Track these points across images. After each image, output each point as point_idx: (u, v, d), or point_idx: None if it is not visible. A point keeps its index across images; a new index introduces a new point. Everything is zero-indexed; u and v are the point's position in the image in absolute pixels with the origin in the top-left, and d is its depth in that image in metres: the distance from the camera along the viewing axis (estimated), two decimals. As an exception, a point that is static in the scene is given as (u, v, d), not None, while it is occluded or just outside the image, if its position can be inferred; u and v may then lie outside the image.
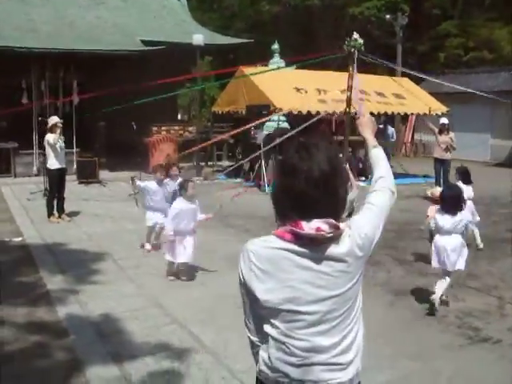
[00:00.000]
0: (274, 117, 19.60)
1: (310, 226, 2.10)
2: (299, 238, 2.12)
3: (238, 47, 21.94)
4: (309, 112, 15.96)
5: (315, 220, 2.11)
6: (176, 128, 20.82)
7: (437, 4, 30.66)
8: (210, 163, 20.43)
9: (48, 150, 11.24)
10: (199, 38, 17.41)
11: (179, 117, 21.97)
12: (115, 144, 17.85)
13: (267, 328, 2.22)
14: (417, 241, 10.24)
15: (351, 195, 8.41)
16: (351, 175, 9.11)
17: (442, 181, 14.54)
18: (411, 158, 27.32)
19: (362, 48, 9.17)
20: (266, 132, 20.14)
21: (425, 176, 19.38)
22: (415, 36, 32.54)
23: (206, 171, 19.19)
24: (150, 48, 17.29)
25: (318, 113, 16.62)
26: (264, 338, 2.25)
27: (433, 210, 7.47)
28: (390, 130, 20.85)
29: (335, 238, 2.14)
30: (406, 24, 27.79)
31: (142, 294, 7.12)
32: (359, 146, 17.29)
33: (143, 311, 6.51)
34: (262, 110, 15.27)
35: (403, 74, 21.77)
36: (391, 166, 2.66)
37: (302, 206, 2.13)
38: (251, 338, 2.33)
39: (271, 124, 20.32)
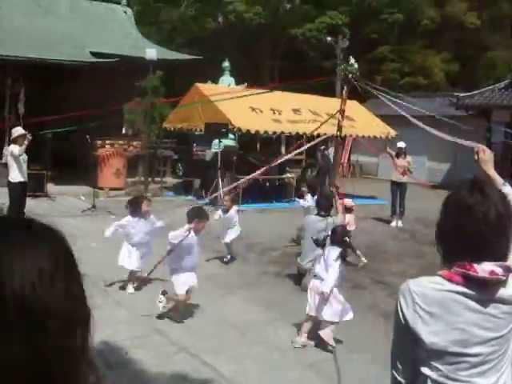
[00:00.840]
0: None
1: (484, 269, 2.05)
2: (470, 281, 2.07)
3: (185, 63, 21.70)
4: (265, 131, 16.01)
5: (487, 263, 2.07)
6: (120, 142, 20.32)
7: (375, 29, 31.49)
8: (156, 179, 20.03)
9: (11, 162, 10.68)
10: (152, 52, 17.12)
11: (123, 131, 21.48)
12: (60, 156, 17.30)
13: (425, 370, 2.15)
14: (387, 262, 10.44)
15: (336, 220, 8.50)
16: (338, 201, 9.23)
17: (399, 203, 14.87)
18: (349, 179, 27.81)
19: (358, 73, 9.29)
20: (214, 150, 20.06)
21: (371, 197, 19.80)
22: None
23: (154, 188, 18.81)
24: (104, 60, 16.85)
25: (274, 133, 16.69)
26: (416, 379, 2.18)
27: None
28: (331, 151, 21.11)
29: (505, 280, 2.10)
30: (347, 47, 28.37)
31: (137, 319, 6.82)
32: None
33: (145, 339, 6.23)
34: (221, 128, 15.13)
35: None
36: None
37: (476, 247, 2.08)
38: (398, 378, 2.23)
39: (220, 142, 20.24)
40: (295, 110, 17.48)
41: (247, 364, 5.60)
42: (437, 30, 34.04)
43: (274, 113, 16.88)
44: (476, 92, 25.27)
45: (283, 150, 21.90)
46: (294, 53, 33.90)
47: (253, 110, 16.51)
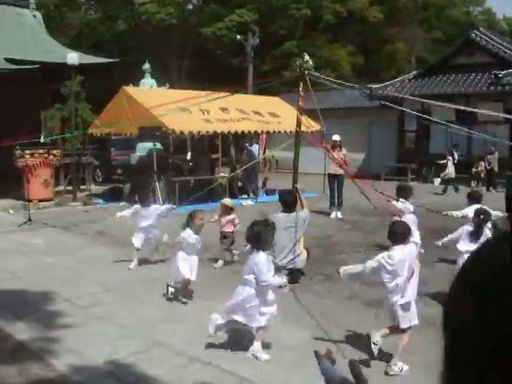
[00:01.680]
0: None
1: None
2: None
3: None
4: (198, 132, 15.88)
5: None
6: (41, 151, 19.48)
7: (283, 25, 31.88)
8: (82, 187, 19.39)
9: None
10: (74, 57, 16.51)
11: (42, 139, 20.61)
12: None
13: None
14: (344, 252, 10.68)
15: (303, 214, 8.56)
16: (302, 196, 9.27)
17: (336, 195, 15.15)
18: (267, 173, 28.07)
19: (313, 70, 9.35)
20: (139, 154, 19.64)
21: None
22: (259, 55, 33.68)
23: (81, 196, 18.20)
24: (24, 67, 16.07)
25: (207, 133, 16.57)
26: None
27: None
28: (256, 147, 21.25)
29: None
30: (256, 44, 28.54)
31: (130, 333, 6.56)
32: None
33: (149, 353, 5.99)
34: (155, 131, 14.82)
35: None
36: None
37: None
38: None
39: (145, 145, 19.84)
40: (223, 109, 17.42)
41: (269, 369, 5.53)
42: (340, 24, 34.92)
43: (203, 113, 16.73)
44: (388, 83, 26.18)
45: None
46: (201, 52, 33.75)
47: (182, 111, 16.26)
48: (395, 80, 26.66)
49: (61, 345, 6.16)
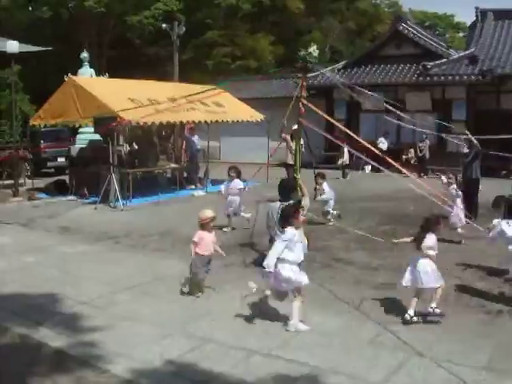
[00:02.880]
0: (86, 129, 18.62)
1: None
2: None
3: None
4: (153, 122, 15.53)
5: None
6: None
7: (208, 14, 31.63)
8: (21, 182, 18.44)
9: None
10: (14, 45, 15.64)
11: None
12: None
13: None
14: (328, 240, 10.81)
15: (304, 201, 8.59)
16: (302, 184, 9.28)
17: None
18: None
19: (317, 61, 9.34)
20: (78, 145, 19.01)
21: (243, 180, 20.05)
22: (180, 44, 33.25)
23: (23, 191, 17.34)
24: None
25: (161, 123, 16.24)
26: None
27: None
28: (196, 138, 21.04)
29: None
30: (182, 33, 28.11)
31: (169, 331, 6.31)
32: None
33: (203, 349, 5.81)
34: (111, 122, 14.32)
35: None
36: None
37: None
38: None
39: (83, 137, 19.23)
40: (171, 99, 17.07)
41: (324, 353, 5.66)
42: (259, 14, 35.05)
43: (152, 103, 16.31)
44: (318, 73, 26.52)
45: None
46: (120, 41, 32.96)
47: (132, 101, 15.82)
48: (325, 70, 27.07)
49: (103, 349, 5.83)
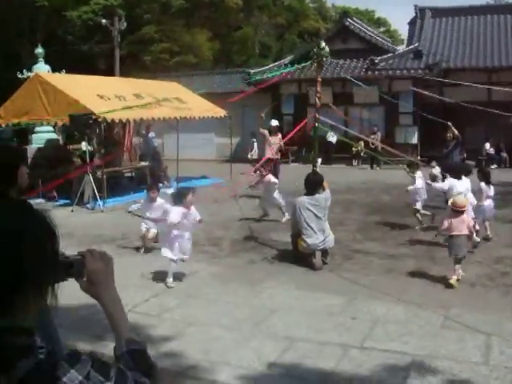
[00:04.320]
0: (43, 128, 17.98)
1: None
2: None
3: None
4: (127, 119, 15.14)
5: None
6: None
7: (147, 10, 31.06)
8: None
9: None
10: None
11: None
12: None
13: None
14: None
15: (326, 195, 8.66)
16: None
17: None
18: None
19: (329, 56, 9.41)
20: (35, 146, 18.32)
21: (203, 177, 19.93)
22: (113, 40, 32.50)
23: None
24: None
25: (134, 120, 15.86)
26: None
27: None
28: (152, 135, 20.67)
29: None
30: (124, 28, 27.53)
31: (246, 334, 6.17)
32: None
33: (295, 348, 5.68)
34: (88, 119, 13.81)
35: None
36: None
37: None
38: None
39: (40, 136, 18.55)
40: (137, 95, 16.71)
41: (412, 339, 5.79)
42: (193, 9, 34.80)
43: (120, 99, 15.91)
44: (266, 68, 26.67)
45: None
46: (53, 38, 31.85)
47: (101, 97, 15.36)
48: (272, 65, 27.28)
49: (191, 358, 5.50)
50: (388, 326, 6.25)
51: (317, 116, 9.61)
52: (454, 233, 7.79)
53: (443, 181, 11.70)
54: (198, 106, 18.89)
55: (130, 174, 18.31)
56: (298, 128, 11.16)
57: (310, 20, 48.78)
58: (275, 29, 45.69)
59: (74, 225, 12.43)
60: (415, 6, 27.78)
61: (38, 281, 1.36)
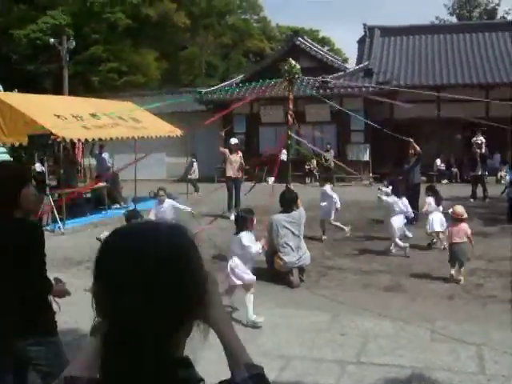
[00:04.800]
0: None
1: None
2: None
3: None
4: (86, 139, 14.87)
5: None
6: None
7: (96, 29, 30.70)
8: None
9: None
10: None
11: None
12: None
13: None
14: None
15: (301, 212, 8.66)
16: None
17: (234, 198, 15.16)
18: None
19: (300, 74, 9.49)
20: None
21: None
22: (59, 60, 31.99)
23: None
24: None
25: (86, 140, 15.61)
26: None
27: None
28: (106, 155, 20.37)
29: None
30: (72, 48, 27.12)
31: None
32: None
33: (293, 367, 5.66)
34: (46, 140, 13.46)
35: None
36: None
37: None
38: None
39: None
40: (93, 115, 16.42)
41: (406, 352, 5.84)
42: (141, 29, 34.66)
43: (77, 119, 15.60)
44: (217, 87, 26.69)
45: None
46: (2, 56, 31.19)
47: (58, 117, 15.00)
48: (223, 84, 27.32)
49: None
50: (379, 341, 6.27)
51: (289, 133, 9.60)
52: (455, 240, 8.19)
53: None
54: (154, 126, 18.73)
55: (86, 195, 17.90)
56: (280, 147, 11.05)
57: (254, 40, 49.12)
58: (221, 48, 45.89)
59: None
60: (364, 24, 28.39)
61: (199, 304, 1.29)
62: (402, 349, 6.01)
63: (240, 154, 15.41)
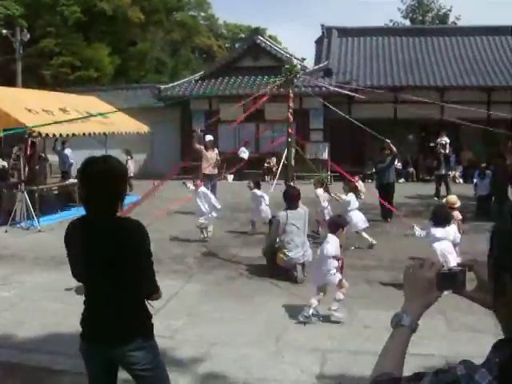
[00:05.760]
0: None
1: None
2: None
3: None
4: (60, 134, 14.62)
5: None
6: None
7: (50, 22, 29.98)
8: None
9: None
10: None
11: None
12: None
13: None
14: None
15: (306, 209, 8.91)
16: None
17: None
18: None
19: (300, 73, 9.65)
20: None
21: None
22: (8, 52, 31.07)
23: None
24: None
25: (67, 135, 15.37)
26: None
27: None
28: (69, 151, 20.11)
29: None
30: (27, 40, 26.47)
31: (275, 349, 6.23)
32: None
33: (333, 359, 5.82)
34: (23, 133, 13.19)
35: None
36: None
37: None
38: None
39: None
40: (63, 110, 16.16)
41: (432, 342, 6.07)
42: (92, 23, 34.10)
43: (48, 113, 15.32)
44: (176, 84, 26.59)
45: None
46: None
47: (29, 111, 14.71)
48: (182, 81, 27.23)
49: (244, 378, 5.29)
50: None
51: (290, 131, 9.78)
52: None
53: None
54: (122, 122, 18.53)
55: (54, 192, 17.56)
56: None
57: (202, 37, 49.00)
58: (169, 45, 45.59)
59: (18, 246, 11.82)
60: (322, 25, 28.89)
61: None
62: (426, 339, 6.20)
63: (216, 150, 15.50)
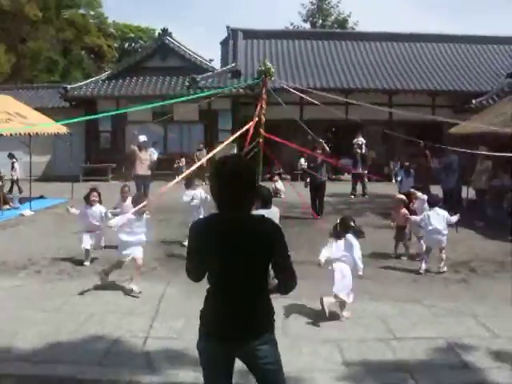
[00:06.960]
0: None
1: None
2: None
3: None
4: None
5: None
6: None
7: None
8: None
9: None
10: None
11: None
12: None
13: None
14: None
15: (277, 208, 9.26)
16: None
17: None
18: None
19: (273, 74, 9.94)
20: None
21: (41, 197, 19.01)
22: None
23: None
24: None
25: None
26: None
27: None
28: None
29: None
30: None
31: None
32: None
33: (340, 347, 6.23)
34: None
35: None
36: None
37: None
38: None
39: None
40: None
41: (433, 327, 6.72)
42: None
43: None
44: (82, 84, 25.99)
45: None
46: None
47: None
48: (89, 81, 26.66)
49: None
50: (395, 320, 6.95)
51: (262, 132, 10.07)
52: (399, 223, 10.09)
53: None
54: (40, 121, 17.98)
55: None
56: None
57: (92, 36, 47.90)
58: (61, 44, 44.27)
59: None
60: (227, 26, 29.31)
61: None
62: (419, 324, 6.79)
63: (149, 151, 15.48)
